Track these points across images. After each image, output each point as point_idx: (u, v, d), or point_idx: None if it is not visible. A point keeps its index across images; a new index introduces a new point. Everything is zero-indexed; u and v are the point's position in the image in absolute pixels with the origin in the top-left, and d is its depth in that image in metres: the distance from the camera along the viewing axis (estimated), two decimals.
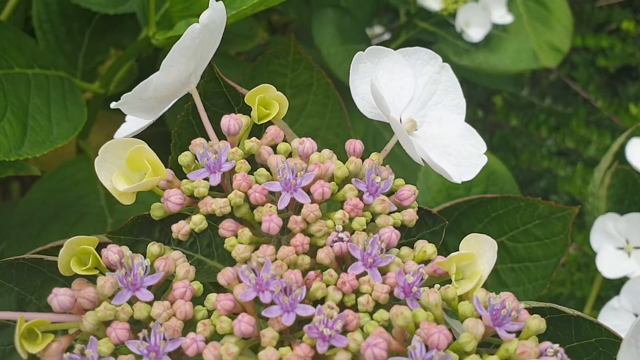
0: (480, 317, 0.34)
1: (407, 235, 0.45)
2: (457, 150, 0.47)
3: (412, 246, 0.40)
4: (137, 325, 0.35)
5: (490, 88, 1.67)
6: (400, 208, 0.41)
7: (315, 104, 0.79)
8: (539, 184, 1.64)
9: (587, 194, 0.97)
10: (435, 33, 1.19)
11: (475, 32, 1.19)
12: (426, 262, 0.39)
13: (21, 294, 0.43)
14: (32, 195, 0.85)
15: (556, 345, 0.33)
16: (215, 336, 0.35)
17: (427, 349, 0.32)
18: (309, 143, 0.41)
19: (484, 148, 0.48)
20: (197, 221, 0.38)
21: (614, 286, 0.89)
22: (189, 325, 0.36)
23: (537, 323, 0.34)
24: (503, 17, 1.21)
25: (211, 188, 0.39)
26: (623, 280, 0.74)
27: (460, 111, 0.49)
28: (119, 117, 0.48)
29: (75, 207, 0.82)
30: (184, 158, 0.40)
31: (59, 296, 0.34)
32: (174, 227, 0.38)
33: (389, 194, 0.42)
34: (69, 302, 0.34)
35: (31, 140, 0.65)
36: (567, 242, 0.64)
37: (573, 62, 2.01)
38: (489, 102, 1.86)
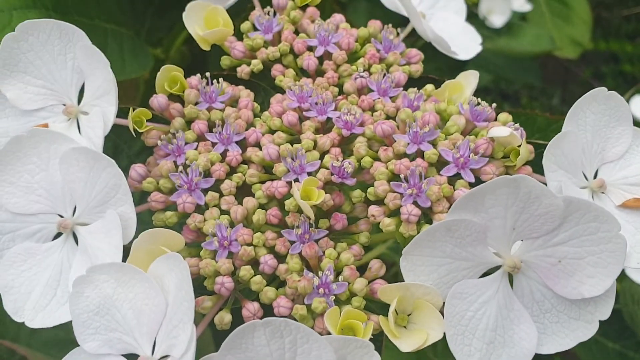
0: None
1: None
2: (458, 42, 0.60)
3: None
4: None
5: (512, 79, 1.79)
6: (410, 64, 0.54)
7: None
8: None
9: None
10: None
11: (496, 19, 1.32)
12: (428, 97, 0.51)
13: (116, 141, 0.56)
14: None
15: (517, 125, 0.45)
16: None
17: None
18: (339, 16, 0.54)
19: (480, 40, 0.61)
20: (255, 63, 0.52)
21: None
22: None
23: (505, 116, 0.46)
24: (522, 5, 1.34)
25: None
26: None
27: (461, 13, 0.62)
28: None
29: None
30: (244, 25, 0.54)
31: (159, 98, 0.47)
32: (239, 69, 0.52)
33: None
34: (165, 103, 0.47)
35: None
36: None
37: (601, 71, 2.13)
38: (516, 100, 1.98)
